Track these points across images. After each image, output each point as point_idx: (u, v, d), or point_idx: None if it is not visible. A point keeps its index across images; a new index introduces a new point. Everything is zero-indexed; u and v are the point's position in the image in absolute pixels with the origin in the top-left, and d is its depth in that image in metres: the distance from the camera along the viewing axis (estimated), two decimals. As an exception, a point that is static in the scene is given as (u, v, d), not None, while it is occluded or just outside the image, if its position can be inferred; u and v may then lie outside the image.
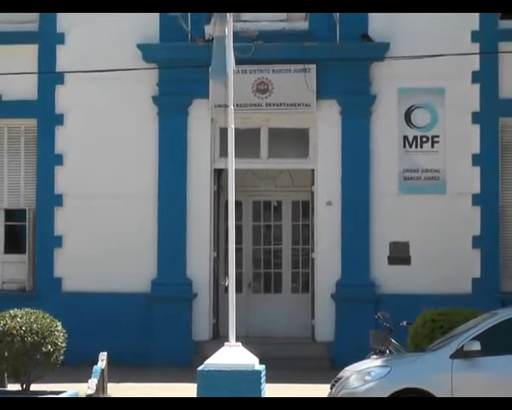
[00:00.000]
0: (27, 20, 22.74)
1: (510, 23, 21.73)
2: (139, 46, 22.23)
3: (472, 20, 22.05)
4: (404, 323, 18.36)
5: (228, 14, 16.93)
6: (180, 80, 21.98)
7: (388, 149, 22.12)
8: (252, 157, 21.87)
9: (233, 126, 16.92)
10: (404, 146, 22.15)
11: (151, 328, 21.62)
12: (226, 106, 17.35)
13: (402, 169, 22.11)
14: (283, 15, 22.62)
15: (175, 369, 19.08)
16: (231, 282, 16.89)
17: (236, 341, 16.45)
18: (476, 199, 22.00)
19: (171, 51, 22.25)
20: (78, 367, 17.70)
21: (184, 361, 19.48)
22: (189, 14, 21.72)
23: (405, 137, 22.15)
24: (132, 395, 17.62)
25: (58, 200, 22.43)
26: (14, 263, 22.72)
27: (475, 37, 22.18)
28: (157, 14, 22.21)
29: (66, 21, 22.54)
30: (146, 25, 22.27)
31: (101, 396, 17.46)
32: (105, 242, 21.98)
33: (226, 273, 18.13)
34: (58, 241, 22.38)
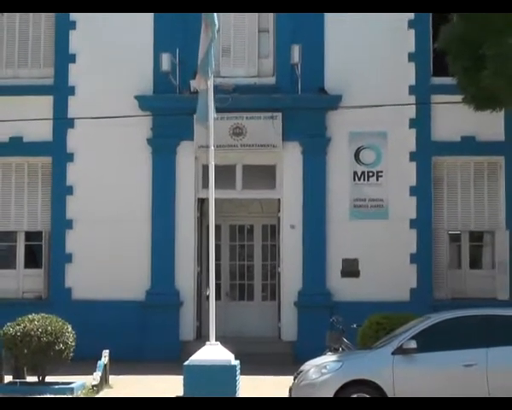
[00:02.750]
0: (45, 76, 22.70)
1: (440, 79, 21.66)
2: (136, 97, 22.13)
3: (409, 76, 22.21)
4: (354, 325, 18.32)
5: (209, 70, 16.84)
6: (170, 125, 21.87)
7: (341, 181, 22.05)
8: (228, 188, 21.76)
9: (213, 163, 16.90)
10: (354, 179, 22.09)
11: (145, 330, 21.45)
12: (207, 146, 17.38)
13: (352, 198, 22.05)
14: (255, 72, 22.64)
15: (165, 364, 18.96)
16: (211, 291, 16.92)
17: (216, 340, 16.44)
18: (413, 223, 22.00)
19: (162, 101, 22.18)
20: (85, 362, 17.52)
21: (173, 357, 19.32)
22: (177, 70, 21.73)
23: (355, 172, 22.09)
24: (130, 386, 17.56)
25: (69, 224, 22.28)
26: (32, 276, 22.51)
27: (412, 90, 22.22)
28: (151, 71, 22.26)
29: (76, 77, 22.52)
30: (142, 79, 22.25)
31: (103, 387, 17.37)
32: (107, 258, 21.84)
33: (207, 284, 18.06)
34: (68, 257, 22.21)
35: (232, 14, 22.38)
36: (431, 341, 14.38)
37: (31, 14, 22.41)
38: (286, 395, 15.46)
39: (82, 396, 16.58)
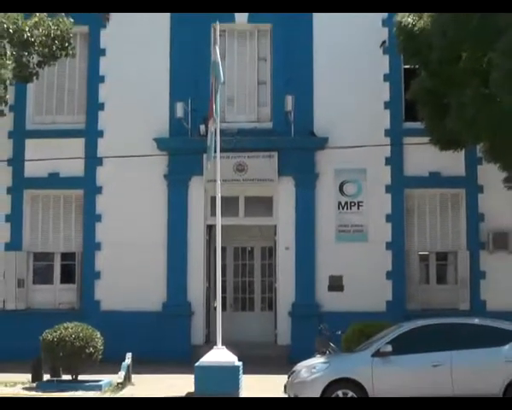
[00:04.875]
0: (78, 121, 22.70)
1: (411, 124, 21.74)
2: (154, 139, 22.15)
3: (385, 121, 22.26)
4: (339, 332, 18.26)
5: (217, 117, 16.95)
6: (183, 163, 21.90)
7: (328, 210, 22.03)
8: (233, 216, 21.69)
9: (220, 195, 16.99)
10: (339, 209, 22.07)
11: (162, 336, 21.31)
12: (215, 181, 17.37)
13: (337, 224, 22.04)
14: (255, 118, 22.66)
15: (179, 364, 18.91)
16: (218, 303, 16.96)
17: (222, 345, 16.47)
18: (388, 245, 21.96)
19: (176, 143, 22.19)
20: (111, 363, 17.44)
21: (185, 359, 19.25)
22: (189, 117, 21.77)
23: (339, 202, 22.09)
24: (149, 383, 17.51)
25: (98, 246, 22.24)
26: (66, 290, 22.46)
27: (387, 133, 22.25)
28: (167, 117, 22.27)
29: (104, 122, 22.55)
30: (159, 124, 22.24)
31: (127, 384, 17.33)
32: (130, 275, 21.76)
33: (215, 297, 18.01)
34: (97, 275, 22.15)
35: (235, 70, 22.55)
36: (404, 345, 14.37)
37: (67, 68, 22.56)
38: (281, 391, 15.45)
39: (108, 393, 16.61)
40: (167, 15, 22.37)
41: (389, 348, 14.28)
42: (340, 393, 14.18)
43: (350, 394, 14.17)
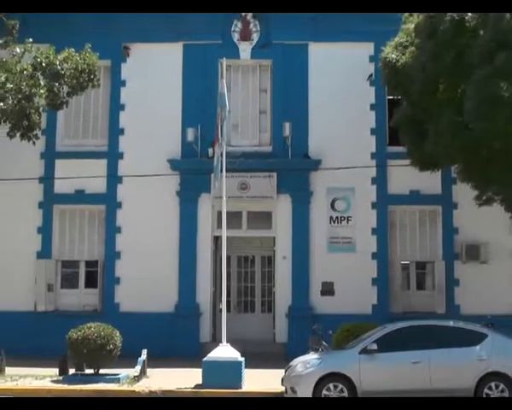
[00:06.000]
0: (101, 144, 22.68)
1: (394, 148, 21.67)
2: (168, 160, 22.16)
3: (371, 146, 22.26)
4: (330, 332, 18.18)
5: (223, 141, 16.99)
6: (193, 182, 21.89)
7: (320, 224, 22.01)
8: (236, 228, 21.63)
9: (225, 210, 16.97)
10: (330, 223, 22.05)
11: (174, 334, 21.24)
12: (221, 197, 17.37)
13: (329, 237, 22.01)
14: (256, 142, 22.69)
15: (188, 360, 18.78)
16: (223, 305, 16.99)
17: (226, 342, 16.42)
18: (374, 255, 21.92)
19: (187, 164, 22.17)
20: (128, 359, 17.37)
21: (194, 355, 19.12)
22: (199, 141, 21.80)
23: (331, 217, 22.07)
24: (162, 376, 17.47)
25: (117, 255, 22.21)
26: (90, 294, 22.39)
27: (373, 156, 22.26)
28: (179, 141, 22.28)
29: (124, 145, 22.56)
30: (172, 147, 22.27)
31: (142, 377, 17.26)
32: (145, 280, 21.71)
33: (220, 300, 17.97)
34: (117, 280, 22.12)
35: (240, 100, 22.60)
36: (388, 344, 14.39)
37: (92, 98, 22.58)
38: (279, 383, 15.42)
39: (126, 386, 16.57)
40: (180, 52, 22.52)
41: (374, 347, 14.31)
42: (331, 385, 14.20)
43: (340, 386, 14.18)
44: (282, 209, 22.10)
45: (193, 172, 21.76)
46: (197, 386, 16.08)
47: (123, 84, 22.79)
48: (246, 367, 16.46)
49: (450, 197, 21.87)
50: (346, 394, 14.13)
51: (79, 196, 22.32)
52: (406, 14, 18.63)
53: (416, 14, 17.96)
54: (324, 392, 14.16)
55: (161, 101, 22.41)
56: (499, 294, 21.07)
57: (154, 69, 22.58)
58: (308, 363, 14.72)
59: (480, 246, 21.65)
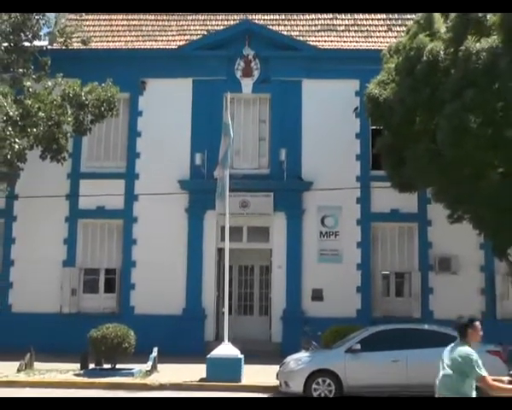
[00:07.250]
0: (120, 166, 22.62)
1: (376, 172, 21.56)
2: (178, 181, 22.13)
3: (356, 169, 22.21)
4: (319, 333, 18.20)
5: (227, 165, 16.97)
6: (200, 200, 21.79)
7: (311, 238, 21.95)
8: (238, 241, 21.62)
9: (228, 225, 16.92)
10: (320, 237, 21.99)
11: (181, 334, 21.13)
12: (224, 214, 17.33)
13: (319, 249, 21.94)
14: (256, 166, 22.64)
15: (194, 356, 18.78)
16: (226, 309, 16.90)
17: (228, 341, 16.32)
18: (358, 266, 21.82)
19: (195, 185, 22.12)
20: (141, 355, 17.36)
21: (199, 352, 19.08)
22: (205, 164, 21.76)
23: (321, 232, 22.01)
24: (170, 370, 17.36)
25: (133, 264, 22.11)
26: (109, 298, 22.27)
27: (358, 179, 22.21)
28: (189, 164, 22.24)
29: (139, 167, 22.53)
30: (182, 169, 22.23)
31: (153, 372, 17.15)
32: (157, 286, 21.61)
33: (223, 304, 17.89)
34: (133, 286, 22.01)
35: (242, 129, 22.59)
36: (370, 344, 14.38)
37: (112, 125, 22.56)
38: (274, 378, 15.34)
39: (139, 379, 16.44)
40: (190, 87, 22.53)
41: (358, 347, 14.30)
42: (320, 380, 14.23)
43: (328, 381, 14.18)
44: (278, 225, 22.04)
45: (200, 192, 21.71)
46: (202, 380, 16.03)
47: (140, 114, 22.80)
48: (245, 363, 16.40)
49: (426, 215, 21.81)
50: (333, 388, 14.12)
51: (100, 212, 22.25)
52: (387, 56, 18.71)
53: (395, 56, 18.05)
54: (314, 386, 14.16)
55: (173, 129, 22.42)
56: (467, 301, 20.95)
57: (167, 101, 22.61)
58: (300, 360, 14.69)
59: (451, 259, 21.59)
